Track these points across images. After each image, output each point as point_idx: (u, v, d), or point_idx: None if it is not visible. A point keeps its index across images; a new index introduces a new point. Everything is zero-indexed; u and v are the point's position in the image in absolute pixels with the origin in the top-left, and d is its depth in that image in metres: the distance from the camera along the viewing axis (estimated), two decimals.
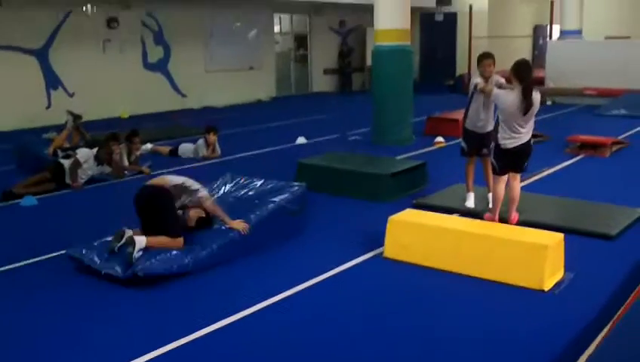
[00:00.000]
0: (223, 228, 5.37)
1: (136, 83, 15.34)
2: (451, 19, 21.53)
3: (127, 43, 15.13)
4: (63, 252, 5.38)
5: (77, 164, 7.88)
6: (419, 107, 12.05)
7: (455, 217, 6.05)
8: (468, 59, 18.89)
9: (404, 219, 5.43)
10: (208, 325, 4.15)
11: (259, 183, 6.22)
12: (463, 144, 6.61)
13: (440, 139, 10.63)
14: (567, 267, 4.89)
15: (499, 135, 5.82)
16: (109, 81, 14.60)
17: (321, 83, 20.70)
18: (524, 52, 22.84)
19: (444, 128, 11.08)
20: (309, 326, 4.19)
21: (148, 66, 15.73)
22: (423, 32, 22.05)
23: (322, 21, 20.20)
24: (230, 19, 17.46)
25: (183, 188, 5.36)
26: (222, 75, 17.24)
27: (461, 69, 20.73)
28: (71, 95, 14.07)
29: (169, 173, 7.77)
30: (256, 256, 5.38)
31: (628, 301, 4.08)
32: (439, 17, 21.63)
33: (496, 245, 4.86)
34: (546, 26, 21.41)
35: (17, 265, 5.32)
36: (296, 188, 6.02)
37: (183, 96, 16.49)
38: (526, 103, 5.57)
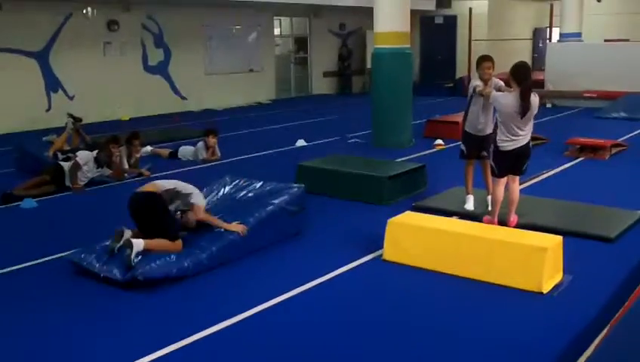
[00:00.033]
0: (222, 230, 5.38)
1: (137, 85, 15.36)
2: (451, 21, 21.57)
3: (128, 45, 15.16)
4: (62, 254, 5.40)
5: (77, 167, 7.89)
6: (418, 110, 12.07)
7: (454, 220, 6.06)
8: (468, 62, 18.90)
9: (404, 222, 5.44)
10: (208, 327, 4.15)
11: (258, 185, 6.23)
12: (463, 147, 6.62)
13: (439, 141, 10.63)
14: (566, 269, 4.89)
15: (498, 137, 5.84)
16: (109, 84, 14.63)
17: (321, 85, 20.72)
18: (524, 55, 22.86)
19: (443, 131, 11.10)
20: (308, 328, 4.19)
21: (148, 69, 15.76)
22: (423, 34, 22.10)
23: (322, 24, 20.22)
24: (230, 22, 17.49)
25: (175, 193, 5.34)
26: (222, 77, 17.27)
27: (461, 71, 20.77)
28: (71, 97, 14.10)
29: (168, 176, 7.78)
30: (256, 258, 5.39)
31: (627, 303, 4.09)
32: (439, 20, 21.68)
33: (495, 247, 4.87)
34: (546, 28, 21.40)
35: (17, 267, 5.32)
36: (295, 189, 6.03)
37: (183, 98, 16.51)
38: (524, 106, 5.59)
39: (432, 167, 8.14)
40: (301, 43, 20.42)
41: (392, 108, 10.51)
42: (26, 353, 3.93)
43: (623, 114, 13.81)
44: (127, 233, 5.02)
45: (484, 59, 6.32)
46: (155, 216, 5.15)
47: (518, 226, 5.83)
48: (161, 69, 16.05)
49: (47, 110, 13.76)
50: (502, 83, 6.19)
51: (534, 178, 8.02)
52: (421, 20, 21.59)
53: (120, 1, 14.62)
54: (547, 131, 11.13)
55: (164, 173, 8.56)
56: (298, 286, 4.80)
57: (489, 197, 6.38)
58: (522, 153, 5.83)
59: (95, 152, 8.20)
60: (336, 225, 6.38)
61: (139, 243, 4.85)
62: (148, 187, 5.34)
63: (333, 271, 5.12)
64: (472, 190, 6.63)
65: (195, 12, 16.27)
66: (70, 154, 8.44)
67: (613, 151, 9.70)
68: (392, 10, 10.34)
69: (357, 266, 5.25)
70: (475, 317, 4.30)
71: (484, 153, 6.38)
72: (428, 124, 11.78)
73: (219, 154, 9.83)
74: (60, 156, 8.69)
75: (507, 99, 5.71)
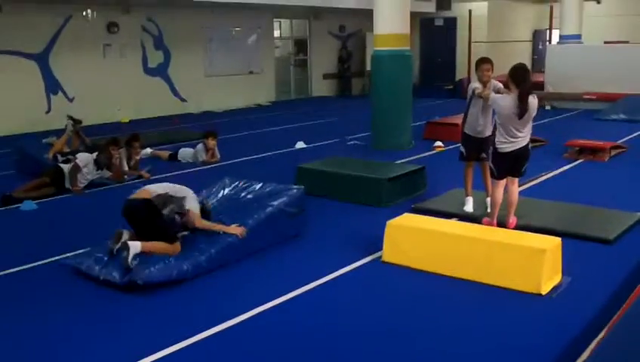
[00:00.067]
0: (222, 232, 5.38)
1: (137, 87, 15.38)
2: (451, 23, 21.60)
3: (127, 48, 15.18)
4: (62, 257, 5.40)
5: (76, 169, 7.90)
6: (418, 111, 12.07)
7: (454, 221, 6.07)
8: (467, 64, 18.90)
9: (403, 224, 5.44)
10: (207, 329, 4.15)
11: (257, 186, 6.23)
12: (462, 148, 6.63)
13: (439, 143, 10.64)
14: (565, 271, 4.90)
15: (497, 139, 5.86)
16: (109, 86, 14.65)
17: (321, 87, 20.74)
18: (524, 57, 22.86)
19: (443, 133, 11.11)
20: (308, 330, 4.20)
21: (148, 71, 15.77)
22: (423, 36, 22.12)
23: (322, 26, 20.25)
24: (230, 24, 17.51)
25: (167, 197, 5.28)
26: (222, 79, 17.28)
27: (461, 73, 20.78)
28: (71, 100, 14.11)
29: (168, 178, 7.79)
30: (255, 259, 5.40)
31: (625, 304, 4.09)
32: (439, 22, 21.70)
33: (494, 249, 4.87)
34: (546, 30, 21.41)
35: (17, 269, 5.33)
36: (295, 191, 6.03)
37: (183, 100, 16.53)
38: (521, 107, 5.60)
39: (432, 168, 8.15)
40: (301, 45, 20.44)
41: (392, 110, 10.52)
42: (26, 355, 3.93)
43: (622, 116, 13.81)
44: (125, 235, 5.02)
45: (483, 61, 6.34)
46: (149, 222, 5.12)
47: (517, 228, 5.83)
48: (161, 71, 16.06)
49: (47, 112, 13.78)
50: (501, 85, 6.20)
51: (533, 180, 8.02)
52: (421, 22, 21.61)
53: (120, 3, 14.64)
54: (546, 133, 11.14)
55: (164, 175, 8.57)
56: (297, 288, 4.80)
57: (488, 199, 6.39)
58: (521, 155, 5.84)
59: (95, 154, 8.21)
60: (336, 226, 6.39)
61: (136, 246, 4.84)
62: (139, 193, 5.29)
63: (332, 272, 5.12)
64: (471, 192, 6.63)
65: (194, 14, 16.29)
66: (70, 157, 8.44)
67: (613, 153, 9.70)
68: (391, 13, 10.35)
69: (356, 268, 5.25)
70: (474, 319, 4.30)
71: (484, 155, 6.38)
72: (427, 126, 11.79)
73: (218, 156, 9.84)
74: (60, 158, 8.69)
75: (505, 100, 5.73)
